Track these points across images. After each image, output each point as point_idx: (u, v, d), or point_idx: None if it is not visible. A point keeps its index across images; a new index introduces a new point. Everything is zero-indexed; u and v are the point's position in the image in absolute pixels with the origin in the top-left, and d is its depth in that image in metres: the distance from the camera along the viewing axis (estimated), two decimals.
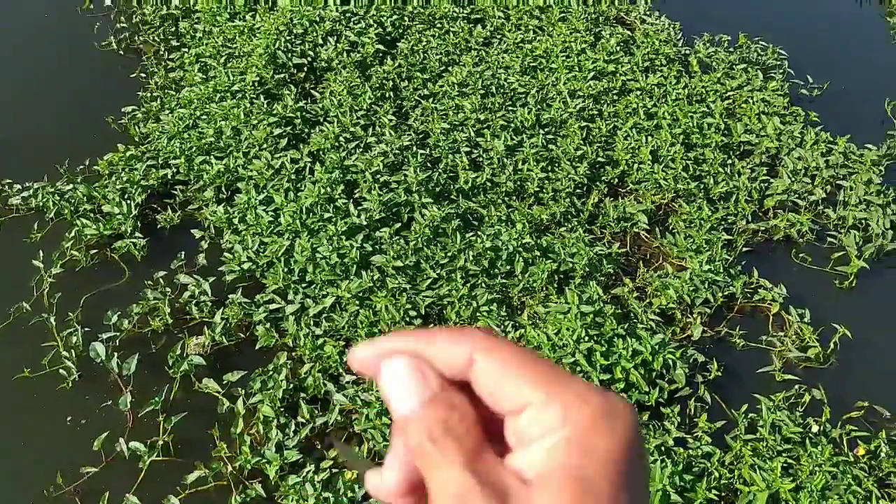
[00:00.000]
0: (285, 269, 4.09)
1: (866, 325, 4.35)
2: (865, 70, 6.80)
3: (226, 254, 4.26)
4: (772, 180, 5.20)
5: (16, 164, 4.83)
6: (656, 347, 3.84)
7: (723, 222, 4.83)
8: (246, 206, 4.42)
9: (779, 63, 6.50)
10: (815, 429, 3.72)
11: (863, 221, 4.98)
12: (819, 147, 5.44)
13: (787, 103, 5.92)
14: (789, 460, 3.53)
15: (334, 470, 3.36)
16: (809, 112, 5.83)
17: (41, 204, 4.51)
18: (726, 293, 4.38)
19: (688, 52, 6.53)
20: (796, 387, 3.96)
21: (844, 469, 3.49)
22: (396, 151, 4.82)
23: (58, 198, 4.52)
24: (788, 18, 7.53)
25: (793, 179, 5.17)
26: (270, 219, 4.33)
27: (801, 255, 4.82)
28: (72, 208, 4.51)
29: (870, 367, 4.18)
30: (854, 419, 3.85)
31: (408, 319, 3.87)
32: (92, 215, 4.48)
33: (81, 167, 4.83)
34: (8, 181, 4.67)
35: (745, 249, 4.76)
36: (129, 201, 4.52)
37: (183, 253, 4.32)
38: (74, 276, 4.24)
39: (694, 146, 5.34)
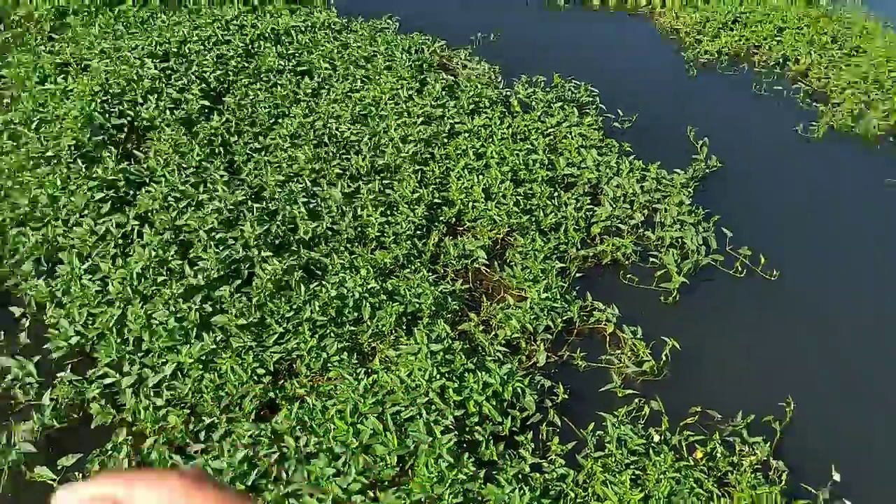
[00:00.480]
0: (118, 340, 3.86)
1: (692, 335, 4.70)
2: (668, 102, 7.46)
3: (50, 330, 3.96)
4: (595, 208, 5.56)
5: None
6: (505, 377, 3.95)
7: (555, 251, 5.09)
8: (69, 276, 4.15)
9: (591, 99, 7.00)
10: (656, 438, 3.95)
11: (679, 240, 5.41)
12: (634, 174, 5.88)
13: (602, 136, 6.37)
14: (637, 472, 3.72)
15: None
16: (623, 143, 6.30)
17: None
18: (565, 318, 4.60)
19: (509, 93, 6.90)
20: (636, 400, 4.20)
21: (686, 473, 3.73)
22: (231, 207, 4.72)
23: None
24: (596, 59, 8.13)
25: (614, 206, 5.54)
26: (98, 288, 4.08)
27: (628, 275, 5.15)
28: None
29: (699, 373, 4.51)
30: (690, 425, 4.12)
31: (256, 378, 3.76)
32: None
33: None
34: None
35: (577, 275, 5.03)
36: None
37: (2, 334, 3.98)
38: None
39: (522, 182, 5.61)
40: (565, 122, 6.49)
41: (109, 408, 3.65)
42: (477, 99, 6.51)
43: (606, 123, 6.70)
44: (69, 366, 3.85)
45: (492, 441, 3.71)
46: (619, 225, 5.45)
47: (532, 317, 4.48)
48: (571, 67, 7.52)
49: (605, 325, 4.67)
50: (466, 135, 5.99)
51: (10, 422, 3.61)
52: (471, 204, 5.27)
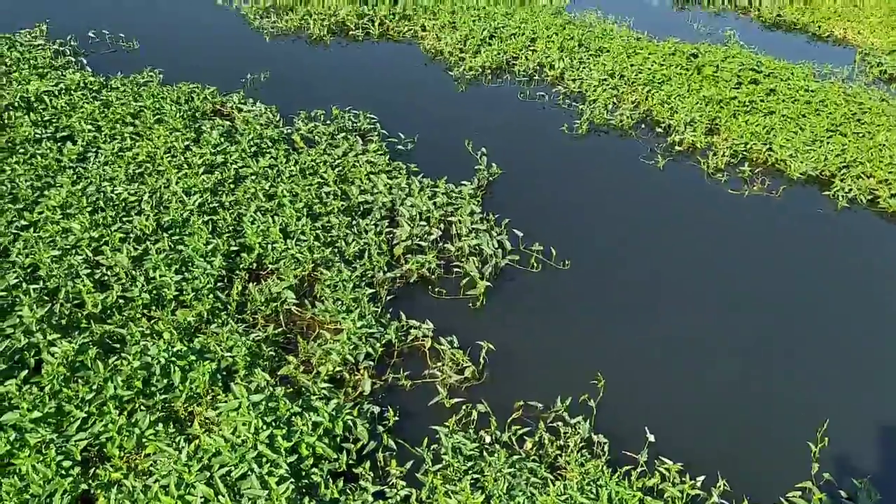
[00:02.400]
0: None
1: (504, 334, 4.92)
2: (444, 119, 7.78)
3: None
4: (395, 230, 5.66)
5: None
6: (334, 413, 3.91)
7: (363, 278, 5.12)
8: None
9: (372, 126, 7.14)
10: (488, 440, 4.09)
11: (477, 247, 5.64)
12: (425, 192, 6.06)
13: (389, 160, 6.52)
14: (475, 475, 3.82)
15: None
16: (409, 164, 6.48)
17: None
18: (384, 342, 4.64)
19: (290, 130, 6.86)
20: (464, 407, 4.31)
21: (520, 466, 3.88)
22: (3, 293, 4.28)
23: None
24: (370, 86, 8.31)
25: (412, 225, 5.67)
26: None
27: (436, 289, 5.29)
28: None
29: (517, 370, 4.73)
30: (517, 420, 4.30)
31: (63, 472, 3.43)
32: None
33: None
34: None
35: (389, 298, 5.09)
36: None
37: None
38: None
39: (319, 216, 5.60)
40: (351, 151, 6.57)
41: None
42: (258, 140, 6.41)
43: (391, 147, 6.86)
44: None
45: (331, 480, 3.64)
46: (420, 242, 5.59)
47: (351, 347, 4.47)
48: (348, 98, 7.63)
49: (423, 340, 4.76)
50: (253, 177, 5.88)
51: None
52: (270, 246, 5.16)
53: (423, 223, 5.75)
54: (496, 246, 5.65)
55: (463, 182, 6.33)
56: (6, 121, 6.21)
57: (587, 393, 4.49)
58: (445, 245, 5.64)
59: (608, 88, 8.65)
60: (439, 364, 4.63)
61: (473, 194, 6.20)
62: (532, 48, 9.64)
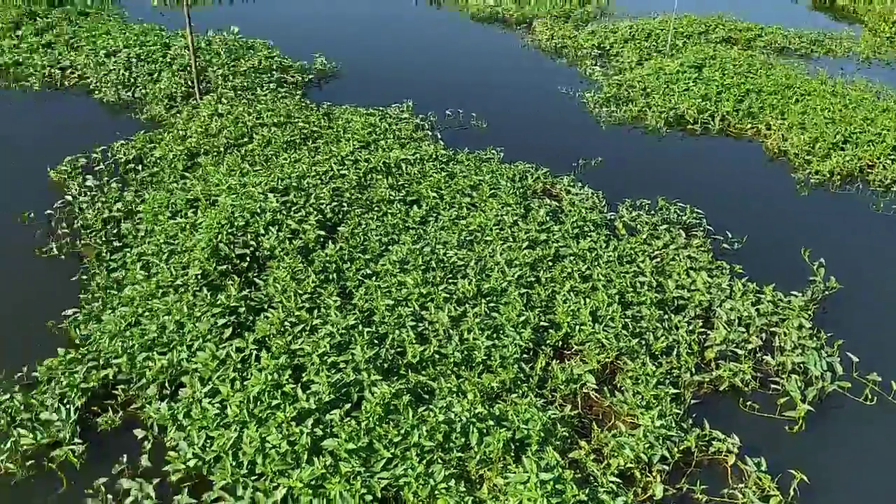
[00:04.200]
0: (233, 463, 3.94)
1: (821, 467, 4.37)
2: (779, 222, 7.30)
3: (170, 452, 4.10)
4: (708, 332, 5.38)
5: None
6: None
7: (668, 376, 4.92)
8: (191, 400, 4.33)
9: (698, 221, 6.93)
10: None
11: (801, 365, 5.13)
12: (748, 297, 5.69)
13: (712, 258, 6.25)
14: None
15: None
16: (734, 265, 6.15)
17: None
18: (682, 448, 4.38)
19: (613, 216, 6.93)
20: None
21: None
22: (343, 331, 4.86)
23: None
24: (701, 181, 8.11)
25: (728, 330, 5.34)
26: (216, 411, 4.23)
27: (748, 402, 4.89)
28: (8, 418, 4.33)
29: None
30: None
31: None
32: (29, 424, 4.30)
33: (19, 374, 4.70)
34: None
35: (693, 402, 4.82)
36: (68, 406, 4.37)
37: (125, 456, 4.15)
38: (7, 493, 4.00)
39: (630, 304, 5.53)
40: (672, 244, 6.43)
41: None
42: (581, 223, 6.57)
43: (715, 245, 6.59)
44: (186, 489, 3.94)
45: None
46: (735, 349, 5.24)
47: (646, 445, 4.29)
48: (676, 190, 7.52)
49: (726, 455, 4.41)
50: (572, 258, 6.02)
51: None
52: (578, 327, 5.21)
53: (741, 329, 5.39)
54: (825, 368, 5.08)
55: (793, 293, 5.83)
56: (368, 181, 7.11)
57: None
58: (764, 357, 5.22)
59: None
60: (741, 485, 4.24)
61: (805, 307, 5.67)
62: (893, 156, 8.68)
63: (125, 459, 4.13)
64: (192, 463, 3.99)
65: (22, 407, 4.39)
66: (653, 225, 6.76)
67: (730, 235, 6.75)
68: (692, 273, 5.96)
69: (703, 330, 5.40)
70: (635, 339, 5.12)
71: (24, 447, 4.17)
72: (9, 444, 4.14)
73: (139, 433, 4.32)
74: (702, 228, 6.85)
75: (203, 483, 4.02)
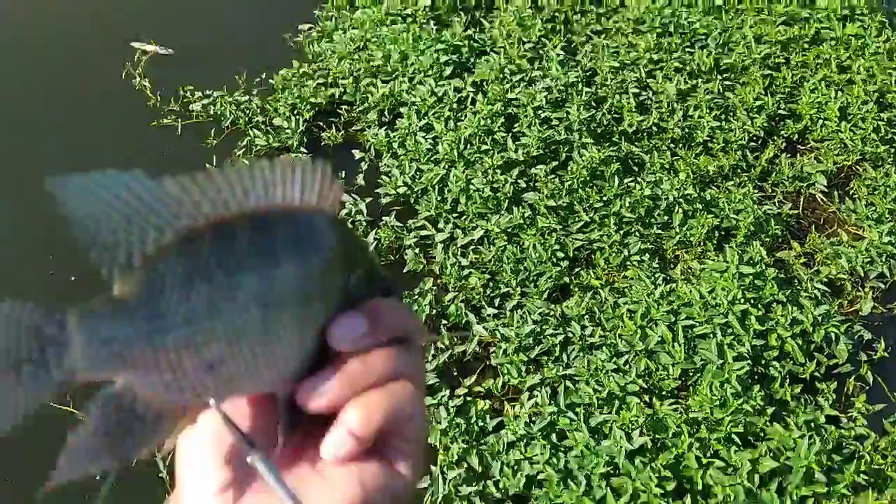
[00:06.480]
0: (438, 198, 4.12)
1: None
2: None
3: (383, 177, 4.35)
4: None
5: (197, 72, 5.10)
6: (819, 319, 3.58)
7: None
8: (407, 131, 4.47)
9: None
10: None
11: None
12: None
13: None
14: None
15: (468, 398, 3.42)
16: None
17: (219, 112, 4.76)
18: None
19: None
20: None
21: None
22: (561, 88, 4.69)
23: (234, 108, 4.76)
24: None
25: None
26: (429, 146, 4.36)
27: None
28: (246, 119, 4.74)
29: None
30: None
31: (555, 260, 3.81)
32: (263, 127, 4.69)
33: (257, 80, 5.05)
34: (190, 87, 4.94)
35: None
36: (297, 117, 4.69)
37: (343, 172, 4.46)
38: None
39: (889, 106, 4.84)
40: None
41: (421, 257, 3.96)
42: (853, 3, 5.63)
43: None
44: (393, 212, 4.21)
45: (788, 381, 3.43)
46: None
47: (866, 259, 3.95)
48: None
49: None
50: (832, 43, 5.26)
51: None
52: (821, 122, 4.68)
53: None
54: None
55: None
56: None
57: None
58: None
59: None
60: None
61: None
62: None
63: (343, 175, 4.44)
64: (401, 190, 4.22)
65: (258, 110, 4.76)
66: None
67: None
68: None
69: None
70: (884, 146, 4.54)
71: (258, 147, 4.58)
72: (245, 143, 4.57)
73: (357, 154, 4.58)
74: None
75: (410, 210, 4.27)
